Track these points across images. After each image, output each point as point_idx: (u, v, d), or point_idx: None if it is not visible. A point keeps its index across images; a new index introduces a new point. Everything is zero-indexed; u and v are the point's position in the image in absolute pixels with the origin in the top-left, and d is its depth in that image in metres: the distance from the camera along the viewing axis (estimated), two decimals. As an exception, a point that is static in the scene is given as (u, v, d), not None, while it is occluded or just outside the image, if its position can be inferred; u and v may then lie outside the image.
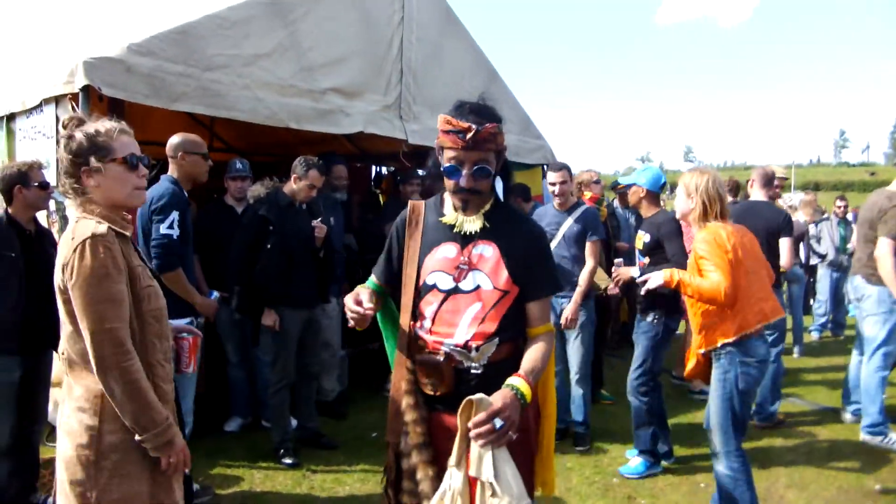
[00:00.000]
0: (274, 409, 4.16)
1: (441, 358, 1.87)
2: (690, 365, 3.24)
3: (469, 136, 1.79)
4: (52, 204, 3.61)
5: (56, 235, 3.53)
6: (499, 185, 2.00)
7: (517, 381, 1.77)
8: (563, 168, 4.49)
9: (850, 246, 7.55)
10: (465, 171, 1.83)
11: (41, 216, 3.55)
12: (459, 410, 1.74)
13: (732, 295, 2.85)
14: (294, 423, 4.35)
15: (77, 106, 3.40)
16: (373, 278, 2.14)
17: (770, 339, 4.50)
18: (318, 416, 4.53)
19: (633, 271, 3.87)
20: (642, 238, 4.02)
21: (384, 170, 7.66)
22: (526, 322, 1.95)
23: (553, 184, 4.42)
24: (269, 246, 4.03)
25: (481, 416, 1.66)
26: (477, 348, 1.86)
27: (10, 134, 4.18)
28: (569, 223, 4.41)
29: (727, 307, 2.90)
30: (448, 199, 2.00)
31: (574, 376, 4.41)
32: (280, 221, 4.05)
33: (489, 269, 1.89)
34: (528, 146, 6.35)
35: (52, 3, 6.04)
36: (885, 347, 4.41)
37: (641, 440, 4.04)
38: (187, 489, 2.23)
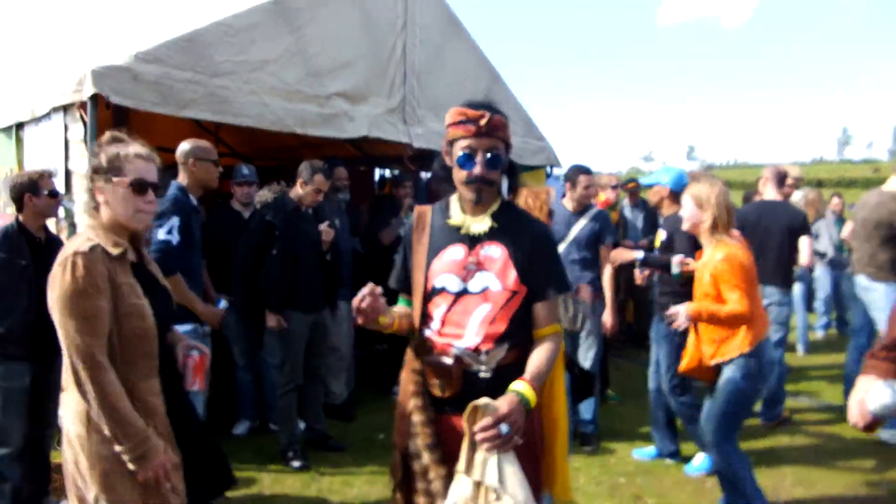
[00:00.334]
0: (282, 411, 4.19)
1: (450, 360, 1.87)
2: (686, 361, 3.35)
3: (483, 122, 1.83)
4: (60, 211, 3.65)
5: (65, 242, 3.57)
6: (504, 185, 2.00)
7: (522, 387, 1.78)
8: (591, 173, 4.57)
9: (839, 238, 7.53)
10: (478, 160, 1.85)
11: (50, 223, 3.59)
12: (465, 416, 1.75)
13: (752, 313, 3.07)
14: (302, 425, 4.38)
15: (85, 114, 3.44)
16: (403, 296, 2.10)
17: (776, 338, 4.53)
18: (326, 418, 4.56)
19: (636, 254, 3.97)
20: (660, 236, 4.11)
21: (388, 173, 7.69)
22: (533, 322, 1.95)
23: (587, 187, 4.47)
24: (274, 251, 4.06)
25: (487, 421, 1.68)
26: (487, 352, 1.86)
27: (19, 142, 4.22)
28: (580, 226, 4.43)
29: (745, 324, 3.08)
30: (454, 202, 2.01)
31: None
32: (286, 226, 4.09)
33: (497, 270, 1.90)
34: (531, 148, 6.37)
35: (59, 13, 6.09)
36: None
37: (698, 438, 3.98)
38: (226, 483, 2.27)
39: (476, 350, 1.87)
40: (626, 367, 6.28)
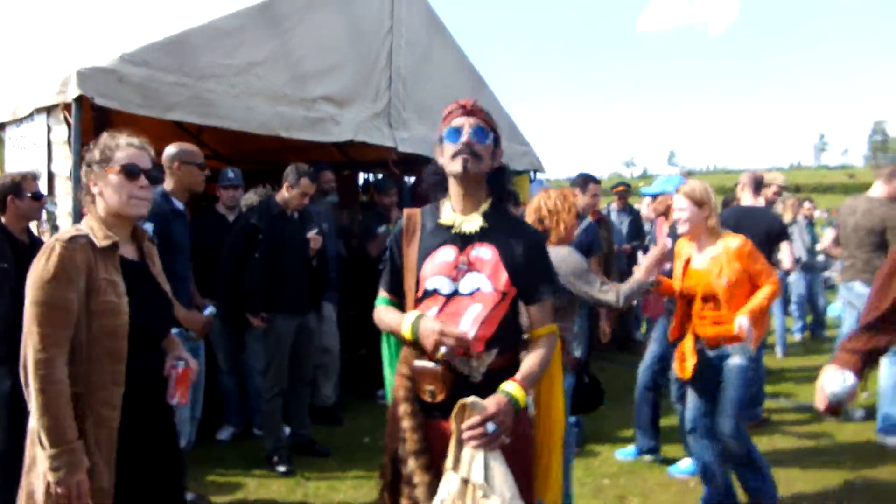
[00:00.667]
0: (267, 416, 4.17)
1: (440, 366, 1.86)
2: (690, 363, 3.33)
3: (469, 105, 1.97)
4: (42, 213, 3.61)
5: (48, 244, 3.53)
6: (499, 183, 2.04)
7: (511, 387, 1.81)
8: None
9: (819, 247, 7.67)
10: (465, 131, 1.92)
11: (32, 225, 3.55)
12: (453, 413, 1.77)
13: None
14: (287, 430, 4.37)
15: (70, 116, 3.41)
16: (385, 294, 2.11)
17: None
18: (314, 422, 4.55)
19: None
20: (666, 244, 4.10)
21: (371, 177, 7.70)
22: (529, 325, 1.98)
23: (594, 196, 4.55)
24: (257, 255, 4.05)
25: (475, 419, 1.71)
26: (477, 356, 1.87)
27: (0, 143, 4.17)
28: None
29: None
30: (446, 205, 2.02)
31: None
32: (270, 230, 4.07)
33: (489, 272, 1.91)
34: (515, 153, 6.42)
35: (43, 14, 6.02)
36: None
37: (687, 445, 4.02)
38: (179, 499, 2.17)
39: (466, 354, 1.87)
40: (609, 370, 6.33)
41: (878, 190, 4.66)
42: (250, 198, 4.27)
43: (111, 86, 3.41)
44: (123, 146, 1.96)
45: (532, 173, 6.99)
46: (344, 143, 5.23)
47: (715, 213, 3.28)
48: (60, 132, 3.54)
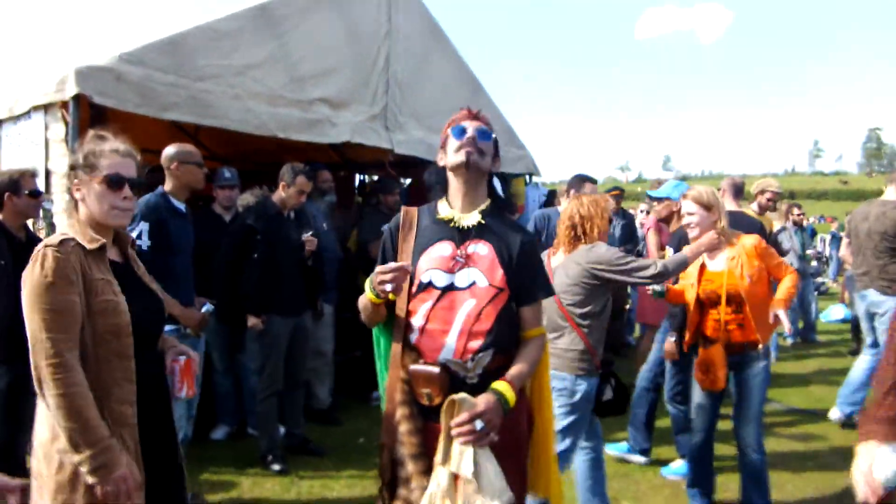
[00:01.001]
0: (262, 416, 4.17)
1: (437, 369, 1.88)
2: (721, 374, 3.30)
3: (474, 110, 2.07)
4: (39, 211, 3.61)
5: (44, 242, 3.53)
6: (499, 187, 2.06)
7: (501, 386, 1.84)
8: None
9: (810, 252, 7.70)
10: (469, 130, 1.99)
11: (29, 223, 3.55)
12: (443, 409, 1.80)
13: None
14: (282, 430, 4.37)
15: (67, 114, 3.42)
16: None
17: None
18: (310, 423, 4.55)
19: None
20: (668, 253, 4.14)
21: (367, 178, 7.72)
22: (520, 326, 2.00)
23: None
24: (255, 255, 4.06)
25: (463, 416, 1.74)
26: (473, 359, 1.89)
27: (-3, 141, 4.17)
28: None
29: None
30: (444, 203, 2.05)
31: None
32: (267, 231, 4.08)
33: (485, 267, 1.93)
34: (512, 156, 6.46)
35: (41, 13, 6.03)
36: None
37: (682, 445, 4.10)
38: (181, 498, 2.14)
39: (461, 357, 1.89)
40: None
41: (891, 194, 4.66)
42: (246, 198, 4.28)
43: (109, 85, 3.43)
44: (108, 153, 1.91)
45: (528, 177, 7.03)
46: (340, 145, 5.25)
47: (724, 216, 3.28)
48: (58, 130, 3.55)
